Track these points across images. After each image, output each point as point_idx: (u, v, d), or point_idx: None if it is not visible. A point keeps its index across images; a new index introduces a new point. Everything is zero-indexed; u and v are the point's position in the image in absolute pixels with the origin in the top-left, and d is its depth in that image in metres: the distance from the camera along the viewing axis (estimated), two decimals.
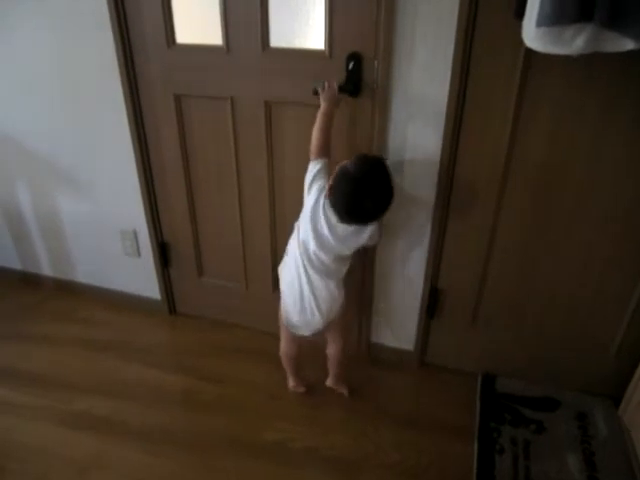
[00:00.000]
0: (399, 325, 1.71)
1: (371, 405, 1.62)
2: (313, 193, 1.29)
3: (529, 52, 1.11)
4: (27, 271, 2.23)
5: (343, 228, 1.27)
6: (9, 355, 1.84)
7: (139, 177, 1.74)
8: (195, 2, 1.47)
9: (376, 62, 1.31)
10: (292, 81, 1.42)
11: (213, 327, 1.97)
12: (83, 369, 1.77)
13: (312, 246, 1.30)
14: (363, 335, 1.77)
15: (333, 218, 1.25)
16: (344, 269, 1.38)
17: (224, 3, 1.38)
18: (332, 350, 1.54)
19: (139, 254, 1.94)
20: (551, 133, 1.28)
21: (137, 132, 1.66)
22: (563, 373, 1.61)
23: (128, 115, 1.63)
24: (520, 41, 1.03)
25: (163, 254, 1.91)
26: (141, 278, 2.00)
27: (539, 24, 0.94)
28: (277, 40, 1.39)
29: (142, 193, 1.78)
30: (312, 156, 1.32)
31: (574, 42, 0.93)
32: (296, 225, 1.37)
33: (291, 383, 1.64)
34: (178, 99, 1.57)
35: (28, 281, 2.24)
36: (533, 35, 0.97)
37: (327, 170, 1.31)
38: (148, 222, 1.84)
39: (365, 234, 1.29)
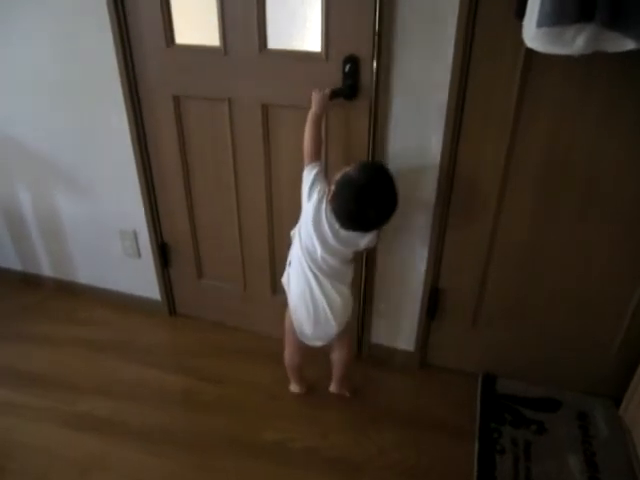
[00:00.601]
0: (400, 326, 1.71)
1: (371, 405, 1.62)
2: (314, 199, 1.27)
3: (530, 52, 1.11)
4: (27, 272, 2.23)
5: (346, 232, 1.26)
6: (9, 355, 1.84)
7: (139, 177, 1.74)
8: (194, 2, 1.47)
9: (374, 64, 1.30)
10: (289, 83, 1.41)
11: (213, 328, 1.96)
12: (83, 369, 1.77)
13: (320, 252, 1.28)
14: (364, 336, 1.77)
15: (336, 224, 1.25)
16: (350, 271, 1.38)
17: (221, 3, 1.37)
18: (339, 355, 1.52)
19: (139, 255, 1.94)
20: (552, 133, 1.28)
21: (137, 132, 1.65)
22: (564, 373, 1.61)
23: (128, 115, 1.63)
24: (520, 41, 1.03)
25: (163, 255, 1.91)
26: (141, 279, 2.00)
27: (540, 24, 0.94)
28: (275, 42, 1.39)
29: (142, 193, 1.77)
30: (306, 161, 1.32)
31: (575, 42, 0.93)
32: (293, 234, 1.36)
33: (295, 388, 1.64)
34: (177, 100, 1.56)
35: (28, 282, 2.24)
36: (534, 35, 0.97)
37: (324, 173, 1.30)
38: (148, 222, 1.83)
39: (366, 238, 1.29)
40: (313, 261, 1.30)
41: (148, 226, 1.84)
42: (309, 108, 1.32)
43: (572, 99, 1.22)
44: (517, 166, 1.35)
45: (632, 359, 1.48)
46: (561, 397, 1.60)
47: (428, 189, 1.44)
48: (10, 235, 2.16)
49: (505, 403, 1.58)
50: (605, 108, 1.21)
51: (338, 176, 1.23)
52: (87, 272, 2.12)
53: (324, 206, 1.25)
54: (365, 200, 1.19)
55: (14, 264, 2.24)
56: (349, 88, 1.33)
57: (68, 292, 2.16)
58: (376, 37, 1.26)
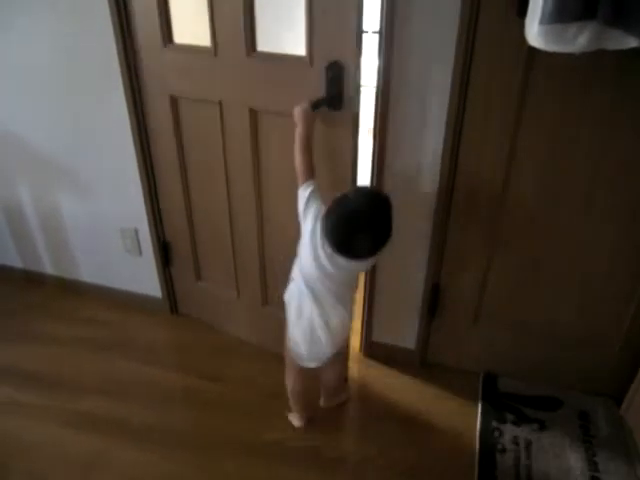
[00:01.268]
0: (400, 324, 1.71)
1: (372, 404, 1.62)
2: (309, 219, 1.20)
3: (531, 52, 1.10)
4: (29, 270, 2.24)
5: (338, 257, 1.15)
6: (12, 354, 1.85)
7: (140, 176, 1.74)
8: (190, 1, 1.45)
9: (358, 72, 1.22)
10: (275, 89, 1.35)
11: (213, 327, 1.96)
12: (85, 368, 1.77)
13: (316, 273, 1.20)
14: (364, 334, 1.77)
15: (329, 248, 1.15)
16: (350, 293, 1.31)
17: (211, 3, 1.32)
18: (328, 375, 1.48)
19: (140, 252, 1.94)
20: (553, 132, 1.27)
21: (138, 132, 1.65)
22: (565, 372, 1.61)
23: (129, 115, 1.63)
24: (522, 41, 1.02)
25: (164, 253, 1.91)
26: (143, 277, 2.00)
27: (542, 22, 0.93)
28: (263, 45, 1.32)
29: (143, 191, 1.77)
30: (300, 180, 1.24)
31: (577, 40, 0.93)
32: (298, 251, 1.30)
33: (294, 419, 1.53)
34: (174, 100, 1.55)
35: (30, 280, 2.24)
36: (536, 33, 0.96)
37: (318, 191, 1.23)
38: (149, 220, 1.83)
39: (360, 265, 1.23)
40: (310, 281, 1.23)
41: (149, 223, 1.84)
42: (293, 118, 1.24)
43: (573, 98, 1.21)
44: (518, 165, 1.34)
45: (633, 358, 1.47)
46: (562, 396, 1.59)
47: (429, 189, 1.43)
48: (12, 234, 2.17)
49: (506, 402, 1.58)
50: (607, 105, 1.20)
51: (335, 195, 1.16)
52: (89, 270, 2.12)
53: (319, 226, 1.17)
54: (353, 222, 1.11)
55: (16, 262, 2.25)
56: (331, 97, 1.24)
57: (70, 290, 2.17)
58: (361, 43, 1.18)
